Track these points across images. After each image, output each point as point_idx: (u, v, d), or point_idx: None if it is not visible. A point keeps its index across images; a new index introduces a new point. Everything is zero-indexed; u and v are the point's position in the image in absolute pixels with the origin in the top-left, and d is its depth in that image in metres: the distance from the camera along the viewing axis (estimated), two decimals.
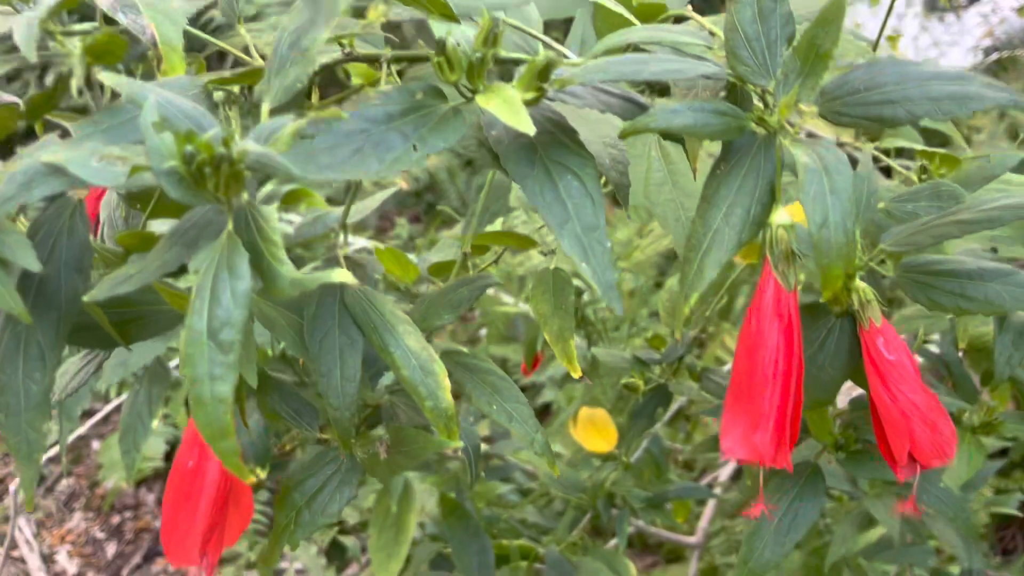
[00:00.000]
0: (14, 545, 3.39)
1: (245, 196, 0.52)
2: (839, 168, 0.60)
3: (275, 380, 0.71)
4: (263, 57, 0.78)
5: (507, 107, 0.59)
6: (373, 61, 0.81)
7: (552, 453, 0.70)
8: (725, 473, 1.99)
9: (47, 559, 3.37)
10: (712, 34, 0.74)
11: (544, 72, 0.60)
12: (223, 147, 0.48)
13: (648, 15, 0.98)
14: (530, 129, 0.58)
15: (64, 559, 3.37)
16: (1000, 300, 0.76)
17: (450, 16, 0.65)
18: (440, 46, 0.60)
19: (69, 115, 0.74)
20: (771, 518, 0.78)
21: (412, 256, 0.95)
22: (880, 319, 0.75)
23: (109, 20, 0.67)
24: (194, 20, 0.71)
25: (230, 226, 0.52)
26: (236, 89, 0.65)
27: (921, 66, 0.65)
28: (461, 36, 0.63)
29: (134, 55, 0.78)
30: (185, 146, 0.48)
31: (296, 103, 0.60)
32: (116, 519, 3.51)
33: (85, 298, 0.54)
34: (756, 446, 0.63)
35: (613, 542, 1.95)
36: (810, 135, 0.68)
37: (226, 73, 0.64)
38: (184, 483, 0.67)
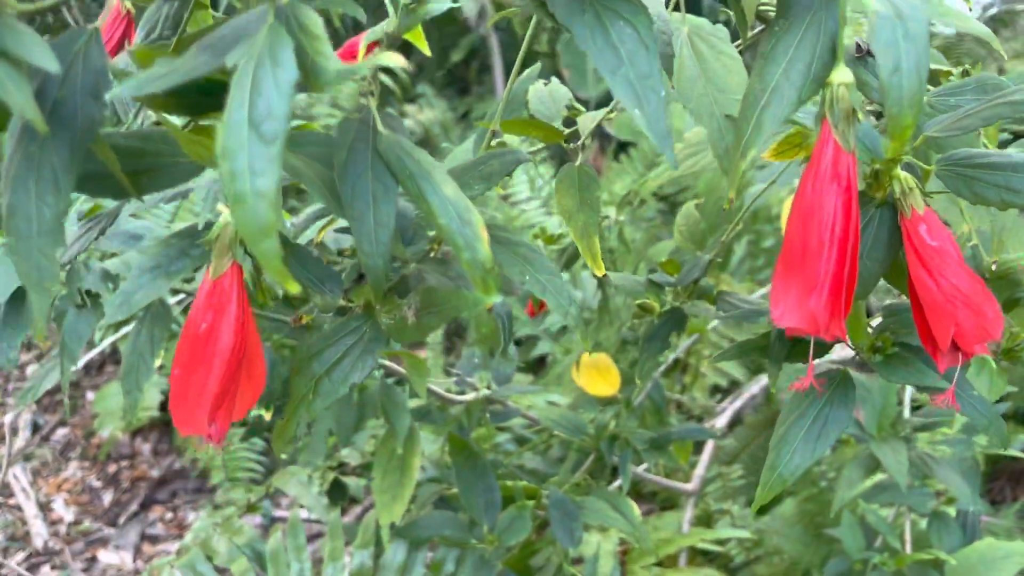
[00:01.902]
0: (10, 493, 3.33)
1: None
2: (913, 14, 0.54)
3: (294, 246, 0.66)
4: None
5: None
6: None
7: (584, 324, 0.64)
8: (722, 421, 1.94)
9: (43, 507, 3.31)
10: None
11: None
12: None
13: None
14: None
15: (61, 507, 3.31)
16: None
17: None
18: None
19: None
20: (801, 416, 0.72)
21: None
22: (922, 206, 0.70)
23: None
24: None
25: (271, 17, 0.46)
26: None
27: None
28: None
29: None
30: None
31: None
32: (112, 468, 3.45)
33: (108, 95, 0.48)
34: (810, 312, 0.57)
35: (613, 485, 1.91)
36: None
37: None
38: (196, 347, 0.62)
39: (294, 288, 0.43)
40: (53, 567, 3.03)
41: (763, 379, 2.05)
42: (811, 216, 0.58)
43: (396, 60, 0.41)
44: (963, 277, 0.67)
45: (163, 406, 3.34)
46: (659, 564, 1.97)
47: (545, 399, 2.21)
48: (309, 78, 0.45)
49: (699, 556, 2.01)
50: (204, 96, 0.54)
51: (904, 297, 0.76)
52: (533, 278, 0.65)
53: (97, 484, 3.42)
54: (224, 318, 0.61)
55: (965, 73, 0.84)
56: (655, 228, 2.36)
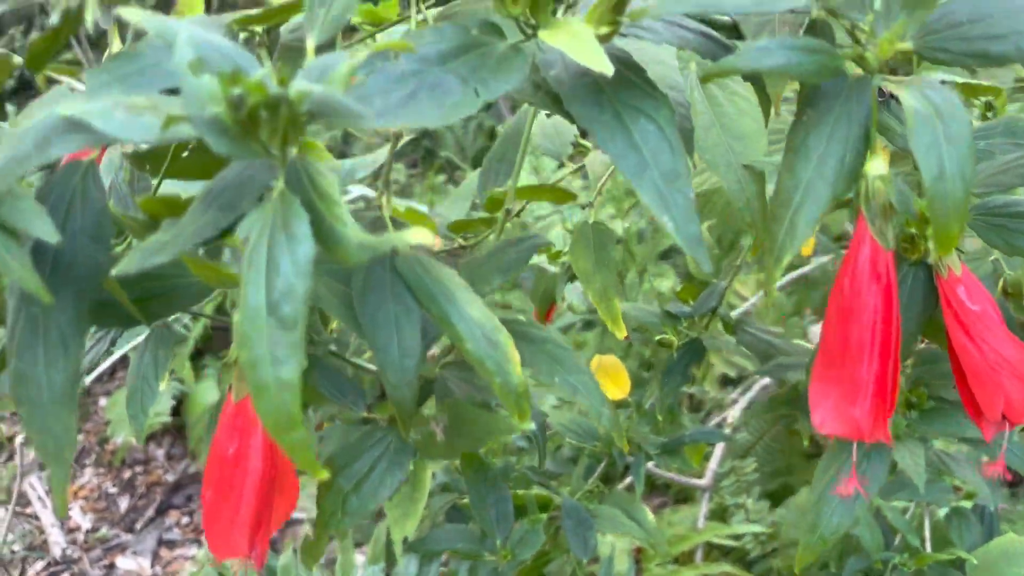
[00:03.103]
0: (27, 503, 3.32)
1: (295, 148, 0.43)
2: (953, 112, 0.51)
3: (314, 356, 0.62)
4: None
5: (577, 43, 0.50)
6: None
7: (620, 427, 0.61)
8: (734, 414, 1.92)
9: None
10: None
11: (620, 4, 0.51)
12: (279, 87, 0.38)
13: None
14: (607, 68, 0.49)
15: (78, 514, 3.30)
16: None
17: None
18: None
19: (66, 68, 0.65)
20: (865, 495, 0.69)
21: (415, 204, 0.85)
22: (960, 267, 0.67)
23: None
24: None
25: (281, 183, 0.43)
26: (260, 30, 0.56)
27: None
28: None
29: None
30: (231, 89, 0.39)
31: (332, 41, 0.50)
32: (127, 474, 3.44)
33: (113, 271, 0.45)
34: (854, 421, 0.54)
35: (624, 483, 1.89)
36: None
37: (253, 11, 0.54)
38: (225, 472, 0.58)
39: (322, 476, 0.39)
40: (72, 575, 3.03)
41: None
42: (850, 317, 0.55)
43: (424, 238, 0.38)
44: (1007, 344, 0.64)
45: (175, 411, 3.32)
46: (675, 560, 1.96)
47: (555, 397, 2.19)
48: (327, 247, 0.41)
49: (715, 550, 1.99)
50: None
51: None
52: (563, 379, 0.62)
53: (113, 490, 3.41)
54: (251, 442, 0.58)
55: (988, 107, 0.80)
56: (662, 236, 2.32)
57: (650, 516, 1.51)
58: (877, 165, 0.55)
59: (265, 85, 0.38)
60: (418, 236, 0.38)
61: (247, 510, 0.56)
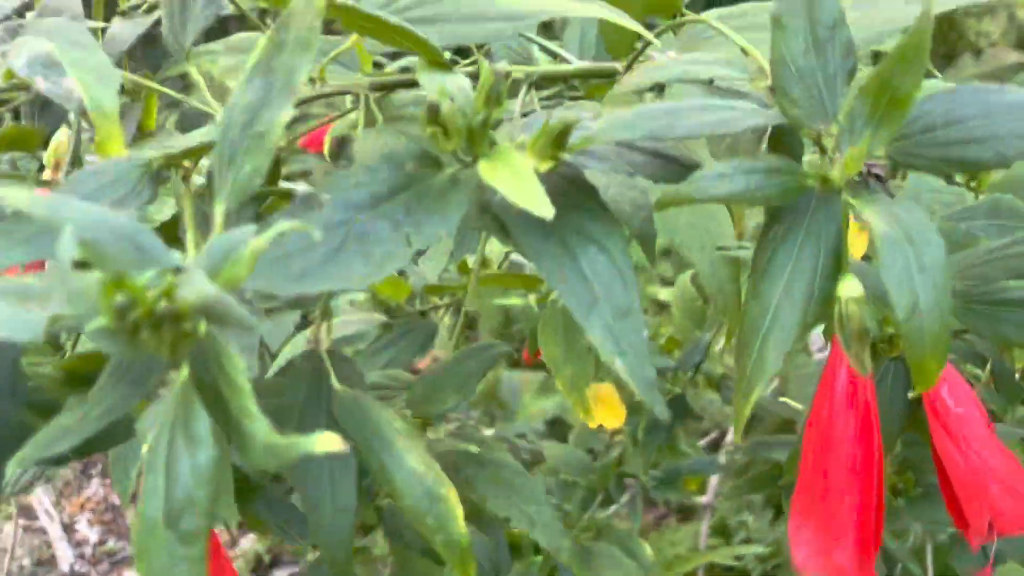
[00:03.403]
0: (34, 516, 3.31)
1: (203, 327, 0.39)
2: (926, 237, 0.46)
3: (259, 485, 0.59)
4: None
5: (517, 181, 0.46)
6: (347, 92, 0.67)
7: (582, 561, 0.57)
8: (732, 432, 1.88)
9: (68, 528, 3.29)
10: (745, 52, 0.60)
11: (562, 136, 0.47)
12: (164, 299, 0.34)
13: (661, 9, 0.83)
14: (547, 211, 0.44)
15: (84, 527, 3.29)
16: None
17: (440, 64, 0.51)
18: (432, 112, 0.46)
19: None
20: None
21: None
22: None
23: None
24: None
25: (184, 373, 0.39)
26: (187, 163, 0.51)
27: (1008, 94, 0.51)
28: (456, 89, 0.49)
29: None
30: (115, 296, 0.35)
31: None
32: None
33: (12, 464, 0.41)
34: (836, 565, 0.50)
35: (623, 500, 1.86)
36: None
37: (176, 147, 0.50)
38: None
39: None
40: None
41: (774, 381, 1.98)
42: (828, 450, 0.51)
43: (333, 444, 0.34)
44: (993, 450, 0.60)
45: None
46: None
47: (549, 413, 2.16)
48: (234, 442, 0.37)
49: (716, 566, 1.97)
50: None
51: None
52: (519, 511, 0.58)
53: (119, 502, 3.39)
54: None
55: (972, 177, 0.76)
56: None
57: (648, 551, 1.48)
58: (850, 286, 0.50)
59: (148, 293, 0.34)
60: (326, 444, 0.34)
61: None
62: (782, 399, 0.90)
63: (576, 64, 0.77)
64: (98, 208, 0.39)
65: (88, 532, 3.31)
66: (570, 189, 0.52)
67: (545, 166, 0.47)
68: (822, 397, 0.52)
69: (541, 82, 0.76)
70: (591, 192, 0.52)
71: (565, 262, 0.49)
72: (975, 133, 0.50)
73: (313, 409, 0.51)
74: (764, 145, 0.55)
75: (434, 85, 0.48)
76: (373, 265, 0.44)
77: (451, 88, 0.48)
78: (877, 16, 0.56)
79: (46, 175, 0.66)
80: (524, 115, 0.75)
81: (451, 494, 0.49)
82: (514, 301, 1.57)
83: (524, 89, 0.73)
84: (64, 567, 3.16)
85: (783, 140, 0.54)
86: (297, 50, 0.41)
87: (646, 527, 1.99)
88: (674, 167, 0.51)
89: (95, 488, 3.47)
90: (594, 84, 0.82)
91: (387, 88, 0.65)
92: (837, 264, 0.51)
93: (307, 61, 0.41)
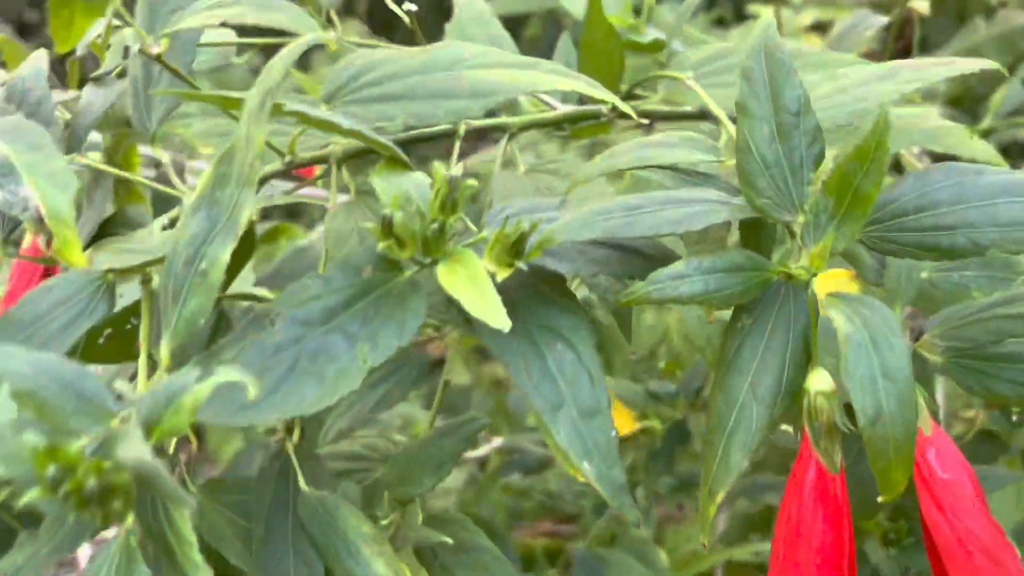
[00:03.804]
0: None
1: (152, 462, 0.38)
2: (889, 338, 0.45)
3: None
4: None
5: (474, 291, 0.45)
6: (319, 162, 0.66)
7: None
8: None
9: None
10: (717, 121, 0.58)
11: (519, 243, 0.46)
12: (94, 475, 0.34)
13: (641, 50, 0.82)
14: (504, 323, 0.44)
15: None
16: None
17: (398, 162, 0.50)
18: (386, 224, 0.45)
19: None
20: None
21: None
22: (930, 427, 0.61)
23: None
24: None
25: (126, 526, 0.39)
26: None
27: (983, 177, 0.50)
28: (413, 189, 0.48)
29: None
30: (49, 466, 0.35)
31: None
32: None
33: None
34: None
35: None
36: None
37: (134, 260, 0.49)
38: None
39: None
40: None
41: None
42: (796, 544, 0.50)
43: None
44: (980, 519, 0.59)
45: None
46: None
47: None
48: None
49: (735, 562, 1.96)
50: None
51: None
52: None
53: None
54: None
55: None
56: None
57: (663, 557, 1.48)
58: (820, 379, 0.49)
59: (81, 464, 0.34)
60: None
61: None
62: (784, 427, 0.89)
63: (560, 110, 0.75)
64: (42, 357, 0.38)
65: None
66: (536, 281, 0.51)
67: (503, 273, 0.46)
68: (791, 492, 0.51)
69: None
70: (558, 282, 0.51)
71: (532, 360, 0.49)
72: (947, 220, 0.49)
73: (280, 513, 0.51)
74: (735, 233, 0.54)
75: (390, 191, 0.47)
76: (326, 387, 0.43)
77: (407, 190, 0.47)
78: (846, 96, 0.54)
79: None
80: (505, 164, 0.74)
81: None
82: None
83: (505, 139, 0.72)
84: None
85: (753, 228, 0.53)
86: (241, 185, 0.40)
87: (664, 520, 1.98)
88: (639, 262, 0.50)
89: None
90: (579, 126, 0.80)
91: (358, 156, 0.64)
92: (806, 356, 0.49)
93: (250, 196, 0.40)
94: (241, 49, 0.82)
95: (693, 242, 0.55)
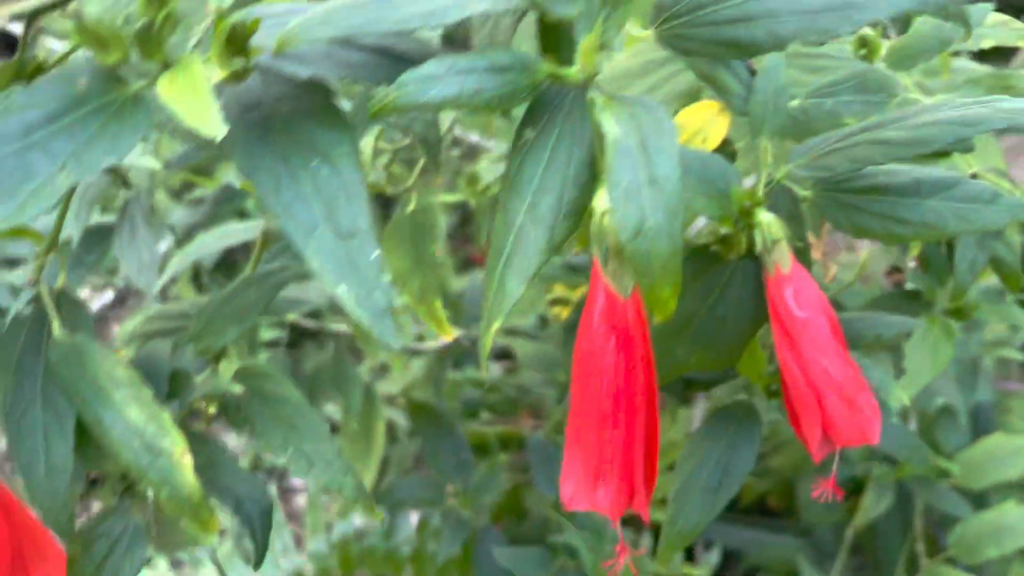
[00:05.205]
0: None
1: None
2: (661, 142, 0.39)
3: None
4: None
5: (192, 97, 0.39)
6: None
7: (369, 497, 0.53)
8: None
9: None
10: None
11: (235, 41, 0.40)
12: None
13: None
14: (216, 130, 0.38)
15: None
16: (941, 221, 0.55)
17: None
18: (78, 16, 0.39)
19: None
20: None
21: None
22: (789, 264, 0.56)
23: None
24: None
25: None
26: None
27: None
28: None
29: None
30: None
31: None
32: None
33: None
34: (599, 502, 0.45)
35: None
36: None
37: None
38: None
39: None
40: None
41: None
42: (588, 379, 0.45)
43: None
44: (835, 359, 0.54)
45: None
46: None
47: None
48: None
49: None
50: None
51: None
52: (298, 450, 0.53)
53: None
54: None
55: (862, 43, 0.67)
56: None
57: None
58: (605, 199, 0.43)
59: None
60: None
61: None
62: None
63: None
64: None
65: None
66: (299, 92, 0.45)
67: (223, 74, 0.40)
68: (584, 323, 0.45)
69: None
70: (322, 93, 0.45)
71: (283, 179, 0.43)
72: (747, 11, 0.42)
73: (31, 359, 0.47)
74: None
75: None
76: (17, 203, 0.38)
77: None
78: None
79: None
80: None
81: (176, 445, 0.44)
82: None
83: None
84: None
85: (552, 31, 0.46)
86: None
87: None
88: (403, 68, 0.44)
89: None
90: None
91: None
92: (591, 173, 0.44)
93: None
94: None
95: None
